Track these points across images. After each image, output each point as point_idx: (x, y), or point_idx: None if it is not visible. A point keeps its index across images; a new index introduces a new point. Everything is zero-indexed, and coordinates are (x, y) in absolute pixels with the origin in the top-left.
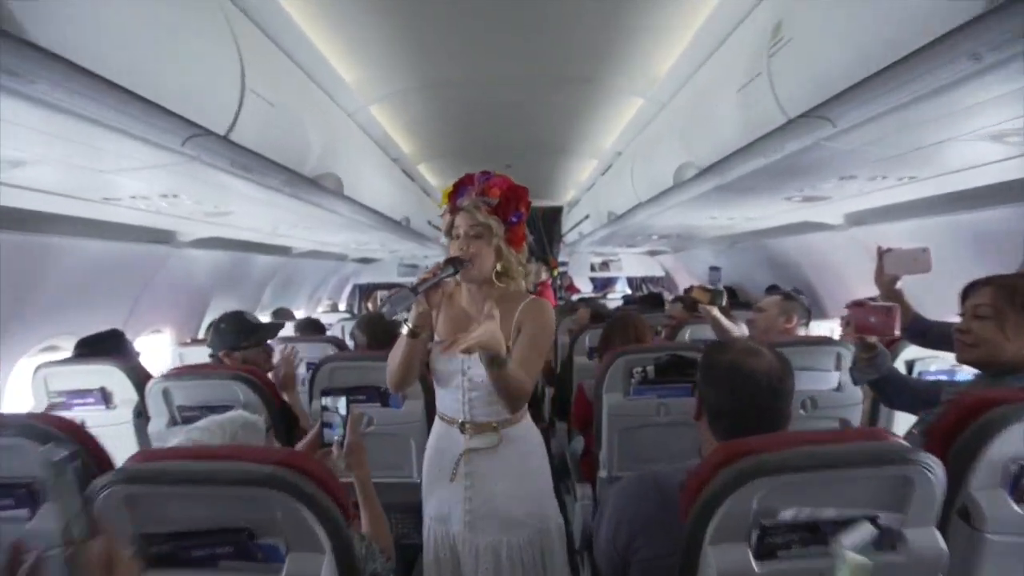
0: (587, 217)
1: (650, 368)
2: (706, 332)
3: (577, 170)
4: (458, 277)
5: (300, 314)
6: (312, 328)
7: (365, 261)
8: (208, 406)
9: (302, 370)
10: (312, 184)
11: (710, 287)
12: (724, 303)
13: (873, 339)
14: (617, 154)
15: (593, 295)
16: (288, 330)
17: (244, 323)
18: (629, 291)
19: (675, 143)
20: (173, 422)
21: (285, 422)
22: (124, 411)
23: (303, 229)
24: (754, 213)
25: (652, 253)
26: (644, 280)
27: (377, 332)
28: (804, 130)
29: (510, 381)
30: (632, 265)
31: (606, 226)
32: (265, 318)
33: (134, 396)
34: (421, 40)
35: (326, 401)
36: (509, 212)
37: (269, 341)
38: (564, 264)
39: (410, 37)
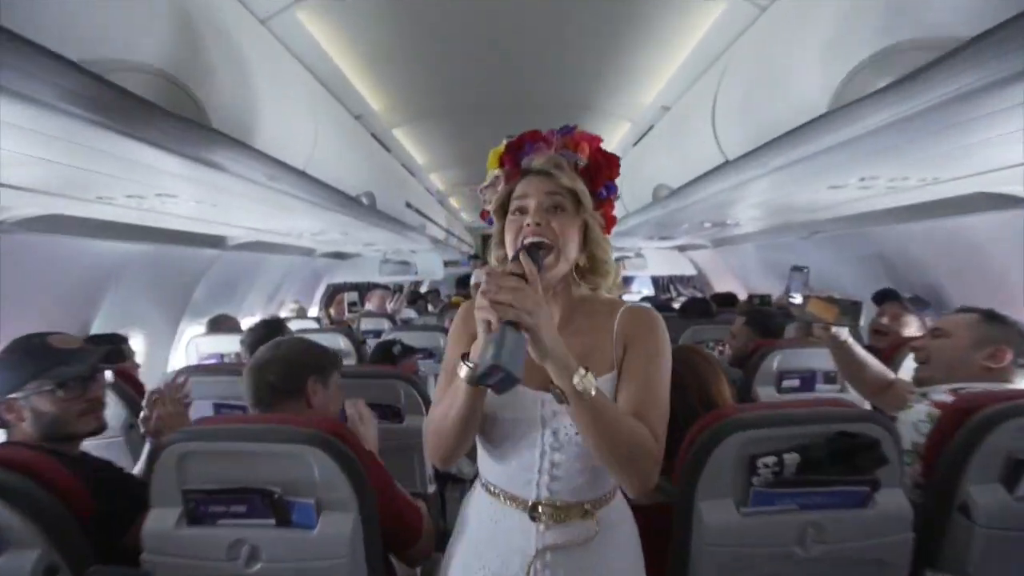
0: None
1: (790, 457)
2: (808, 360)
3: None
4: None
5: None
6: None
7: (339, 256)
8: None
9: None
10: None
11: (836, 297)
12: (859, 323)
13: None
14: (664, 109)
15: None
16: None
17: (36, 353)
18: (647, 291)
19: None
20: None
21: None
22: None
23: (236, 211)
24: (936, 172)
25: (682, 248)
26: (672, 280)
27: (288, 371)
28: None
29: (622, 428)
30: (657, 262)
31: (648, 208)
32: (198, 328)
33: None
34: None
35: None
36: (600, 181)
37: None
38: None
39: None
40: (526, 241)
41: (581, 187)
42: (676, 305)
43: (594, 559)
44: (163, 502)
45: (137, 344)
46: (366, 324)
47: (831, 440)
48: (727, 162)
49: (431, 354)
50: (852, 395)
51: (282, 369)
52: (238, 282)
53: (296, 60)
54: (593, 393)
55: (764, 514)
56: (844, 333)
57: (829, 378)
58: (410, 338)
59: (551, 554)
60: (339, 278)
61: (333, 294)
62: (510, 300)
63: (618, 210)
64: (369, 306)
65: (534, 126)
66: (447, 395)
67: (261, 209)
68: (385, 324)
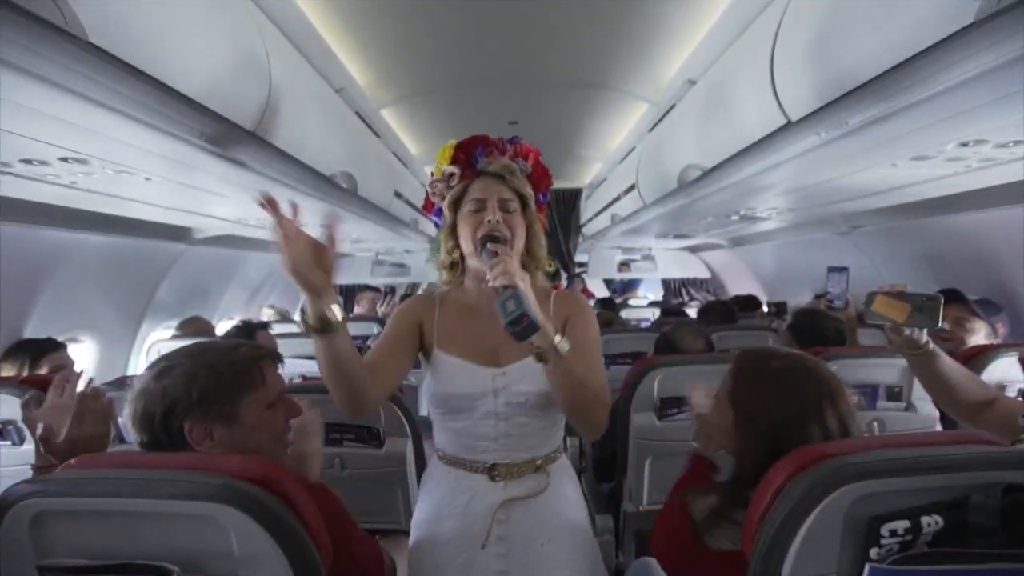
0: (631, 189)
1: (929, 521)
2: (869, 371)
3: (616, 123)
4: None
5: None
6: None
7: None
8: None
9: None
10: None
11: (909, 293)
12: (938, 322)
13: None
14: (689, 83)
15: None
16: None
17: None
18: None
19: None
20: None
21: None
22: None
23: (204, 196)
24: None
25: (694, 249)
26: (685, 283)
27: (160, 412)
28: None
29: (588, 381)
30: (667, 264)
31: (670, 197)
32: (164, 333)
33: None
34: None
35: None
36: (540, 188)
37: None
38: (582, 266)
39: None
40: (486, 234)
41: (529, 192)
42: (690, 310)
43: (546, 508)
44: None
45: (89, 349)
46: (353, 329)
47: (994, 495)
48: (788, 124)
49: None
50: (920, 415)
51: (152, 406)
52: (212, 281)
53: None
54: (567, 351)
55: None
56: (923, 336)
57: (892, 393)
58: None
59: (510, 506)
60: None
61: None
62: (513, 270)
63: (633, 203)
64: (358, 309)
65: (540, 112)
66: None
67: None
68: (375, 328)
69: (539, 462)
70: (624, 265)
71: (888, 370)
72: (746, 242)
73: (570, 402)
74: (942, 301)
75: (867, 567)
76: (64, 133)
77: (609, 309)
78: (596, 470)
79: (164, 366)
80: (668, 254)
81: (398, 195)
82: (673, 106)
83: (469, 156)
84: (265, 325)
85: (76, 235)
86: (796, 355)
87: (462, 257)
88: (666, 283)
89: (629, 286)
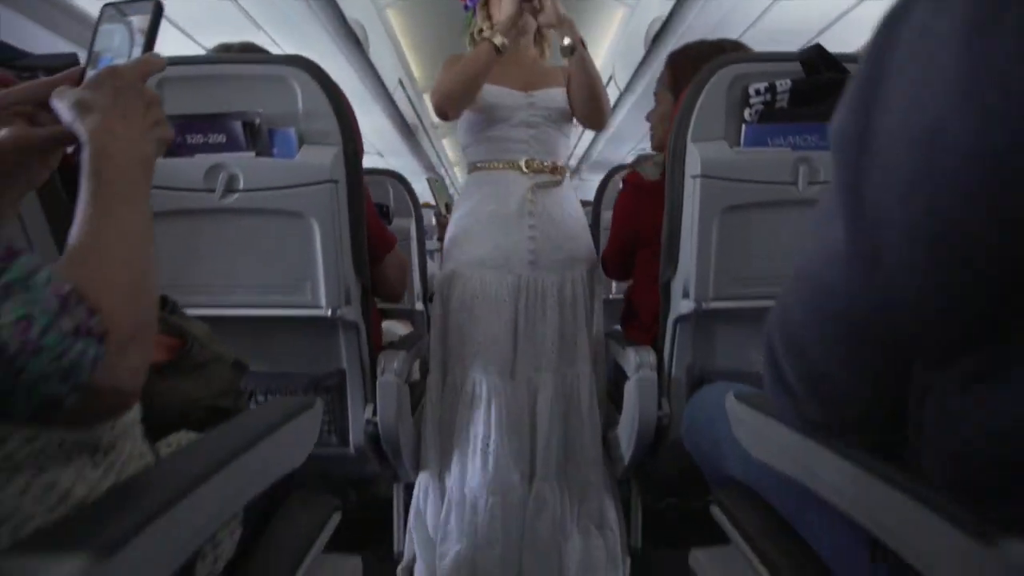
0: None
1: (783, 85)
2: None
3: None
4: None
5: None
6: None
7: None
8: None
9: None
10: None
11: None
12: None
13: None
14: None
15: None
16: None
17: None
18: None
19: None
20: None
21: None
22: None
23: None
24: None
25: None
26: None
27: None
28: None
29: (598, 77)
30: None
31: (644, 64)
32: None
33: None
34: None
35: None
36: None
37: None
38: None
39: None
40: None
41: None
42: None
43: (560, 197)
44: None
45: None
46: None
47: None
48: None
49: None
50: None
51: None
52: None
53: None
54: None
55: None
56: None
57: None
58: None
59: (538, 190)
60: None
61: None
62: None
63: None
64: None
65: None
66: (465, 61)
67: None
68: None
69: (557, 164)
70: None
71: None
72: None
73: (586, 92)
74: None
75: (744, 127)
76: None
77: None
78: None
79: None
80: None
81: None
82: None
83: None
84: None
85: None
86: (721, 41)
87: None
88: None
89: None
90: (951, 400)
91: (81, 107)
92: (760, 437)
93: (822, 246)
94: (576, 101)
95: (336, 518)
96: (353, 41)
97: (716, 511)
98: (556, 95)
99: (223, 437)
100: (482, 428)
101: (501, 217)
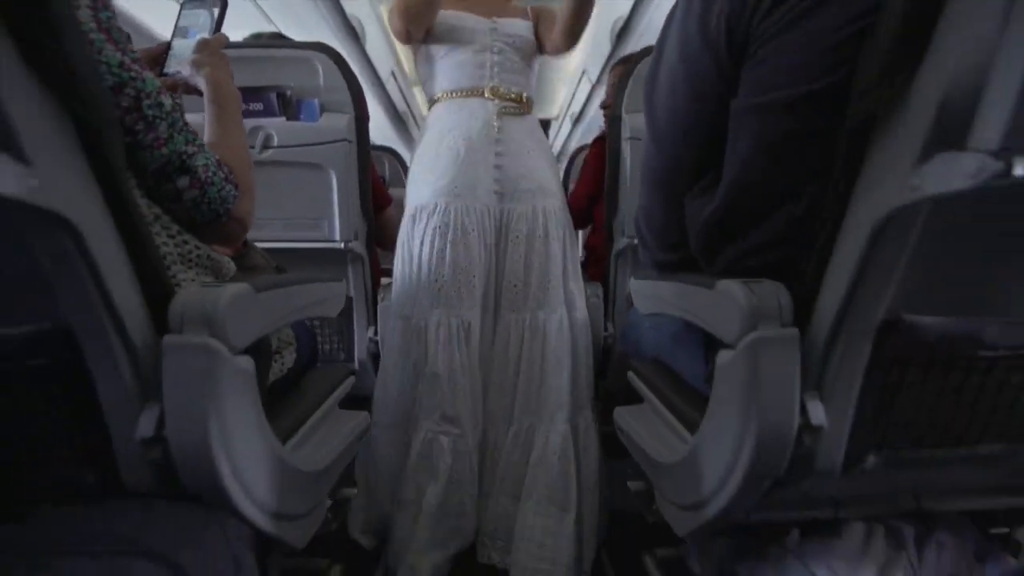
0: (580, 79)
1: None
2: None
3: None
4: None
5: None
6: None
7: None
8: None
9: None
10: None
11: None
12: None
13: None
14: None
15: None
16: None
17: None
18: None
19: None
20: None
21: None
22: None
23: None
24: None
25: None
26: None
27: None
28: None
29: None
30: None
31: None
32: None
33: None
34: None
35: None
36: None
37: None
38: None
39: None
40: None
41: None
42: None
43: (526, 124)
44: None
45: None
46: None
47: None
48: None
49: None
50: None
51: None
52: None
53: None
54: None
55: None
56: None
57: None
58: None
59: (503, 117)
60: None
61: None
62: None
63: (583, 92)
64: None
65: None
66: None
67: None
68: None
69: (523, 95)
70: None
71: None
72: None
73: (578, 4)
74: None
75: None
76: None
77: None
78: None
79: None
80: None
81: None
82: None
83: None
84: None
85: None
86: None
87: None
88: None
89: None
90: (690, 205)
91: (197, 64)
92: (642, 296)
93: (646, 148)
94: (566, 11)
95: (350, 381)
96: (352, 35)
97: (632, 377)
98: (521, 25)
99: (288, 275)
100: (443, 368)
101: (465, 145)
